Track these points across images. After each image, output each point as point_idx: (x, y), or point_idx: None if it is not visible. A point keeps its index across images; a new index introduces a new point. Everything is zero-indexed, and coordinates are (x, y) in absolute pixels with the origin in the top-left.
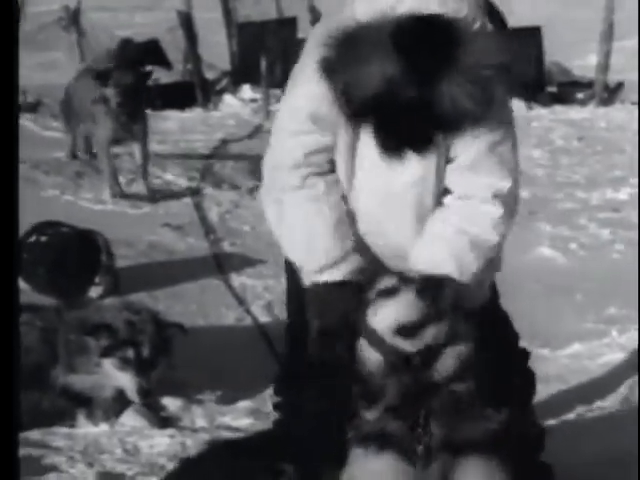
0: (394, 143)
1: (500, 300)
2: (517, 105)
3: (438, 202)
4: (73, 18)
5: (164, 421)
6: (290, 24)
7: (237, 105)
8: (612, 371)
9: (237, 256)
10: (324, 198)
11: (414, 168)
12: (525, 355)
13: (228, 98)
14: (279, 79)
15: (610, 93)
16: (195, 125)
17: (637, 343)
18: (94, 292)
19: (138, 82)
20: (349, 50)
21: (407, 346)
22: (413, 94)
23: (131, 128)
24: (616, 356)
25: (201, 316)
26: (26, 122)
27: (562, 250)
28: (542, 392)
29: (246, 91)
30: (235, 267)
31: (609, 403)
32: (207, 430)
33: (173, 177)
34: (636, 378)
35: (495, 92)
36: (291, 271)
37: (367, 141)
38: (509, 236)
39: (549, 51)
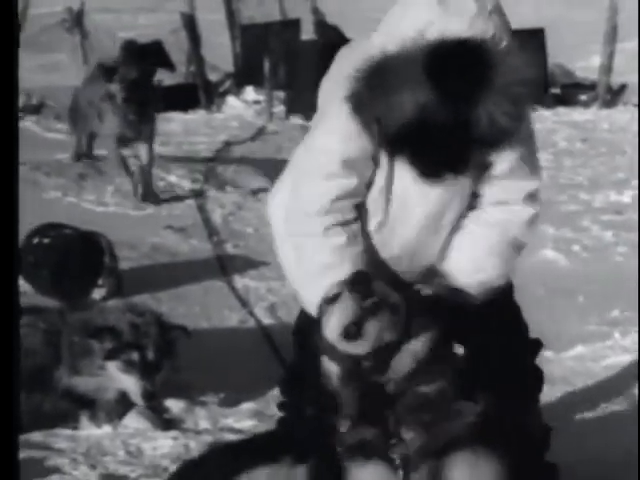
0: (432, 167)
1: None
2: None
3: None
4: (76, 20)
5: (167, 423)
6: (293, 26)
7: (240, 107)
8: (616, 373)
9: (240, 258)
10: (347, 250)
11: (450, 188)
12: (535, 350)
13: (231, 100)
14: (282, 81)
15: (613, 95)
16: (198, 127)
17: (638, 345)
18: (97, 294)
19: (143, 77)
20: (379, 82)
21: (357, 349)
22: (448, 118)
23: (139, 128)
24: (619, 358)
25: (204, 318)
26: (29, 124)
27: (565, 252)
28: (546, 394)
29: (249, 93)
30: (238, 269)
31: (614, 405)
32: (210, 432)
33: (176, 179)
34: None
35: (526, 106)
36: None
37: (403, 169)
38: None
39: (552, 53)
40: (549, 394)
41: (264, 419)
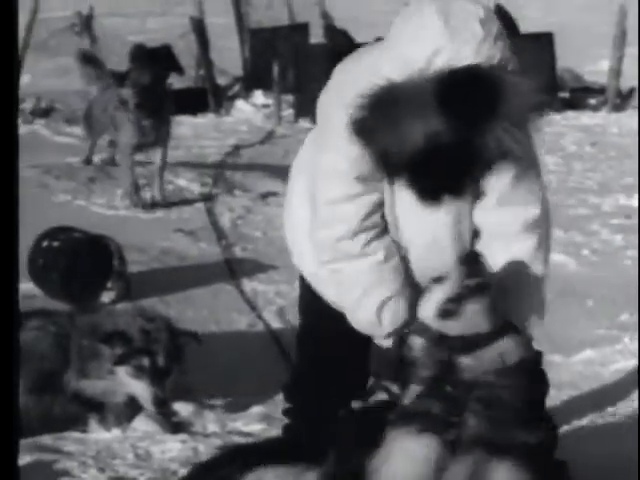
0: (432, 191)
1: None
2: None
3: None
4: (86, 24)
5: (176, 426)
6: (302, 30)
7: (249, 111)
8: (624, 377)
9: (249, 261)
10: (386, 266)
11: (451, 209)
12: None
13: (240, 104)
14: (291, 85)
15: (622, 99)
16: (207, 131)
17: (638, 349)
18: (106, 297)
19: (155, 82)
20: (386, 111)
21: (451, 328)
22: (455, 144)
23: (154, 133)
24: (628, 363)
25: (213, 321)
26: (38, 127)
27: (574, 256)
28: (554, 398)
29: (258, 97)
30: (247, 272)
31: (621, 410)
32: (219, 435)
33: (186, 183)
34: None
35: (532, 131)
36: (303, 278)
37: (404, 192)
38: None
39: (561, 57)
40: (557, 398)
41: (273, 422)
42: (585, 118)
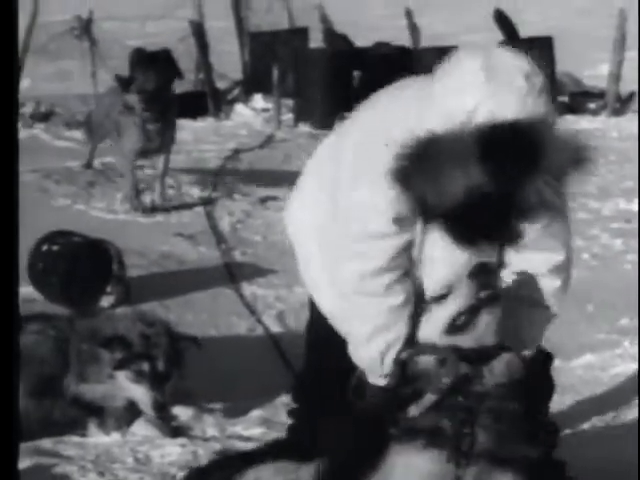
0: (468, 236)
1: None
2: None
3: None
4: (85, 28)
5: (175, 430)
6: (302, 34)
7: (249, 115)
8: (624, 382)
9: (248, 266)
10: (402, 310)
11: (478, 253)
12: (549, 359)
13: (240, 108)
14: (291, 89)
15: (622, 103)
16: (207, 135)
17: (638, 354)
18: (106, 301)
19: (161, 86)
20: (428, 162)
21: (463, 341)
22: (495, 195)
23: (159, 138)
24: (628, 367)
25: (212, 326)
26: (38, 131)
27: (574, 260)
28: (554, 402)
29: (258, 101)
30: (246, 277)
31: (622, 414)
32: (218, 439)
33: (185, 187)
34: None
35: (571, 181)
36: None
37: (437, 235)
38: None
39: (560, 61)
40: (558, 402)
41: (272, 426)
42: (585, 122)
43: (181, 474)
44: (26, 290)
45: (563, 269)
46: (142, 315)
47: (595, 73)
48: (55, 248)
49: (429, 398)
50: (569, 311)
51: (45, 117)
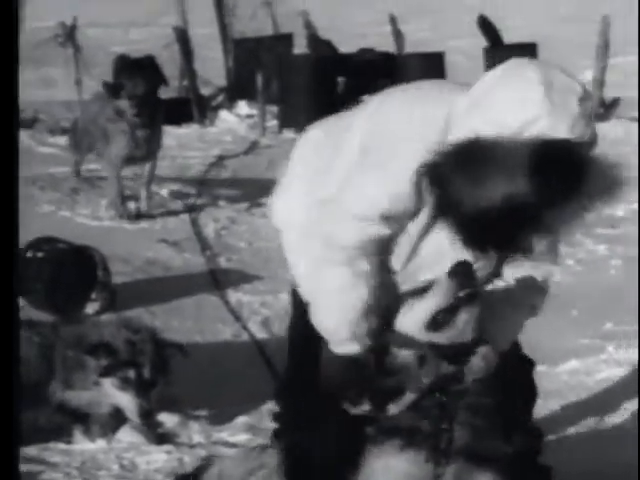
0: (481, 243)
1: None
2: None
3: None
4: (69, 35)
5: (161, 437)
6: (286, 40)
7: (233, 121)
8: (609, 387)
9: (234, 272)
10: (367, 278)
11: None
12: (530, 365)
13: (224, 114)
14: (275, 95)
15: (606, 109)
16: (191, 141)
17: (635, 358)
18: (90, 308)
19: (150, 91)
20: (471, 164)
21: (438, 338)
22: (529, 211)
23: (146, 146)
24: (613, 372)
25: (198, 332)
26: (22, 138)
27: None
28: (540, 408)
29: (242, 107)
30: (232, 283)
31: (607, 419)
32: (204, 446)
33: (170, 193)
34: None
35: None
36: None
37: (445, 230)
38: None
39: None
40: (543, 407)
41: (258, 433)
42: None
43: None
44: None
45: (553, 277)
46: (127, 322)
47: (580, 79)
48: (40, 255)
49: (409, 397)
50: (554, 317)
51: (29, 124)
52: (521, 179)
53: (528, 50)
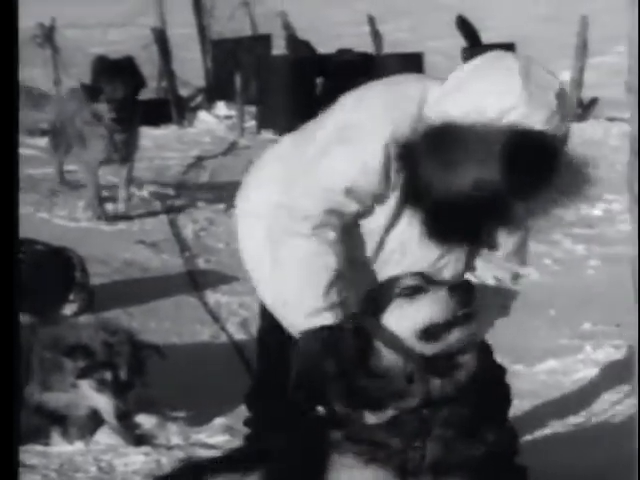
0: (446, 234)
1: None
2: None
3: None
4: (48, 36)
5: (139, 439)
6: (264, 41)
7: (212, 122)
8: (586, 386)
9: (212, 273)
10: (331, 248)
11: (451, 252)
12: (502, 370)
13: (203, 115)
14: (254, 96)
15: (584, 109)
16: (170, 142)
17: (612, 357)
18: (68, 309)
19: (129, 95)
20: (445, 147)
21: (427, 349)
22: (498, 201)
23: (124, 149)
24: (590, 372)
25: (176, 333)
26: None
27: (536, 266)
28: (516, 408)
29: (221, 108)
30: (210, 284)
31: (582, 418)
32: (182, 448)
33: (148, 194)
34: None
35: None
36: None
37: (412, 220)
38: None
39: None
40: (520, 407)
41: (236, 434)
42: None
43: None
44: None
45: (523, 279)
46: (105, 323)
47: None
48: (18, 256)
49: (391, 412)
50: (531, 316)
51: None
52: (493, 166)
53: (506, 50)
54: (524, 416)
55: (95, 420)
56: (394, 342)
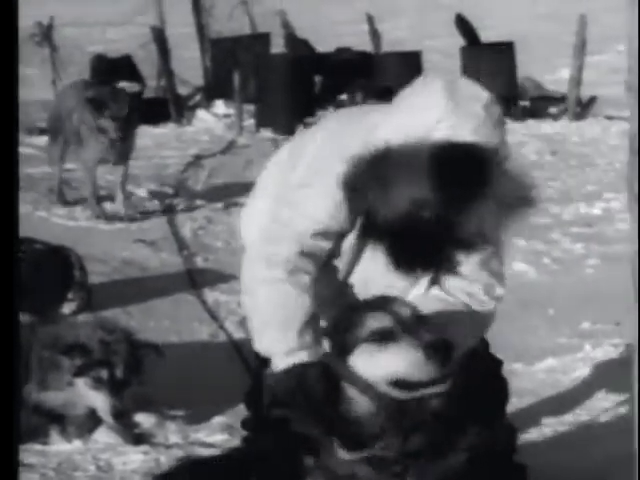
0: (408, 262)
1: None
2: None
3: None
4: (46, 34)
5: (138, 438)
6: (263, 39)
7: (210, 120)
8: (585, 385)
9: (210, 272)
10: (304, 291)
11: (413, 285)
12: (498, 363)
13: (201, 113)
14: (252, 94)
15: (583, 107)
16: (169, 141)
17: (611, 356)
18: (67, 308)
19: (132, 112)
20: (379, 171)
21: (400, 395)
22: (437, 216)
23: (120, 150)
24: (589, 370)
25: (174, 332)
26: None
27: (535, 264)
28: (516, 406)
29: (219, 106)
30: (208, 283)
31: (581, 417)
32: (181, 446)
33: (147, 193)
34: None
35: (515, 220)
36: None
37: (373, 254)
38: None
39: (522, 66)
40: (518, 406)
41: (235, 433)
42: (546, 127)
43: None
44: None
45: (499, 299)
46: (103, 322)
47: (556, 77)
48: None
49: (365, 453)
50: (530, 315)
51: None
52: (424, 183)
53: (505, 49)
54: (523, 414)
55: (93, 419)
56: (364, 387)
